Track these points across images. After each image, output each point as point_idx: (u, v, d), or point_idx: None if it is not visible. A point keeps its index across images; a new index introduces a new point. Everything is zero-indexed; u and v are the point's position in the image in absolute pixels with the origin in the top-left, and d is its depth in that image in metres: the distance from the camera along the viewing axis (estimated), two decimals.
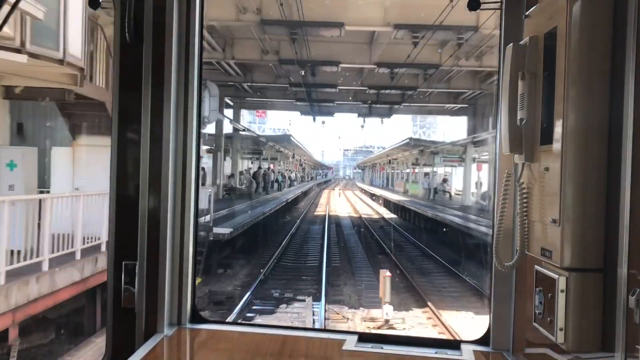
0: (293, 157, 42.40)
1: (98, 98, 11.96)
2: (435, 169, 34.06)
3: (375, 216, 34.41)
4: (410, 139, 30.84)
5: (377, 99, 23.96)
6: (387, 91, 23.29)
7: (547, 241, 1.63)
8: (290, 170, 51.12)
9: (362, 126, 33.29)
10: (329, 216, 32.03)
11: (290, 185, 47.48)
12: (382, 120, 29.87)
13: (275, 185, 39.58)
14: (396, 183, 50.90)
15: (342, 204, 45.32)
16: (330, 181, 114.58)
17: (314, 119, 29.82)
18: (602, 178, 1.51)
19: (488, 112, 24.69)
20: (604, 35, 1.50)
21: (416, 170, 43.71)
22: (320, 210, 37.25)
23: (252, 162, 35.47)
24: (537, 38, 1.71)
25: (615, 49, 1.48)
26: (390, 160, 49.66)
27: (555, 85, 1.58)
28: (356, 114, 29.86)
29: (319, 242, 21.31)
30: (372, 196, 51.54)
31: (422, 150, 32.38)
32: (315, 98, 25.82)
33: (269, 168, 34.90)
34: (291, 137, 31.70)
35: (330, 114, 29.88)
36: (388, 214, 35.13)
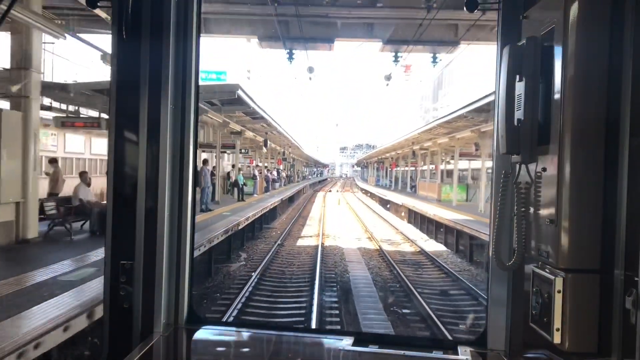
0: (266, 145, 26.47)
1: None
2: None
3: (408, 248, 18.62)
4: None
5: None
6: None
7: (544, 242, 1.64)
8: (267, 167, 35.04)
9: (389, 78, 17.13)
10: (324, 253, 16.25)
11: (267, 190, 31.53)
12: (434, 58, 13.78)
13: (236, 191, 23.55)
14: (422, 185, 34.95)
15: (343, 217, 29.43)
16: (326, 180, 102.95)
17: (290, 56, 13.79)
18: (599, 179, 1.51)
19: None
20: (602, 36, 1.50)
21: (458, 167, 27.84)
22: (308, 235, 21.36)
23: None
24: (534, 38, 1.70)
25: (613, 49, 1.47)
26: (414, 152, 33.62)
27: (552, 85, 1.60)
28: (380, 42, 13.74)
29: None
30: (386, 204, 35.65)
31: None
32: None
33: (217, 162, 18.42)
34: (240, 93, 14.88)
35: (327, 40, 13.56)
36: (430, 245, 19.29)
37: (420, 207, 24.67)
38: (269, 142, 32.16)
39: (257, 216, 18.71)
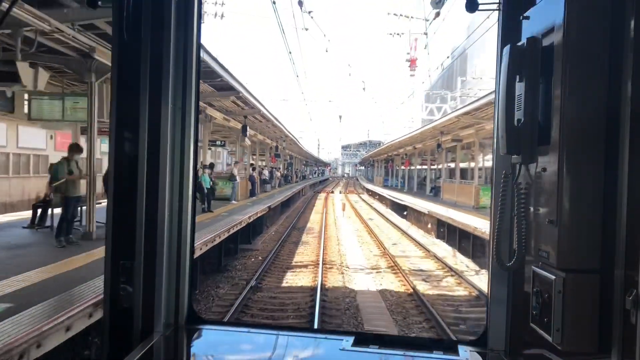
0: (245, 131, 19.18)
1: None
2: None
3: (457, 290, 11.80)
4: None
5: None
6: None
7: (544, 242, 1.63)
8: (253, 164, 27.92)
9: (438, 3, 9.91)
10: (325, 309, 9.20)
11: (252, 193, 24.51)
12: None
13: (208, 199, 16.47)
14: (448, 187, 27.83)
15: (351, 231, 22.45)
16: (328, 180, 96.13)
17: None
18: (599, 179, 1.49)
19: None
20: (602, 36, 1.49)
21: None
22: (301, 264, 14.40)
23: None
24: (534, 39, 1.69)
25: (613, 49, 1.46)
26: (439, 144, 26.44)
27: (552, 86, 1.59)
28: None
29: None
30: (403, 210, 28.60)
31: None
32: None
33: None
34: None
35: None
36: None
37: (460, 219, 17.59)
38: (255, 132, 25.07)
39: (217, 242, 11.68)
